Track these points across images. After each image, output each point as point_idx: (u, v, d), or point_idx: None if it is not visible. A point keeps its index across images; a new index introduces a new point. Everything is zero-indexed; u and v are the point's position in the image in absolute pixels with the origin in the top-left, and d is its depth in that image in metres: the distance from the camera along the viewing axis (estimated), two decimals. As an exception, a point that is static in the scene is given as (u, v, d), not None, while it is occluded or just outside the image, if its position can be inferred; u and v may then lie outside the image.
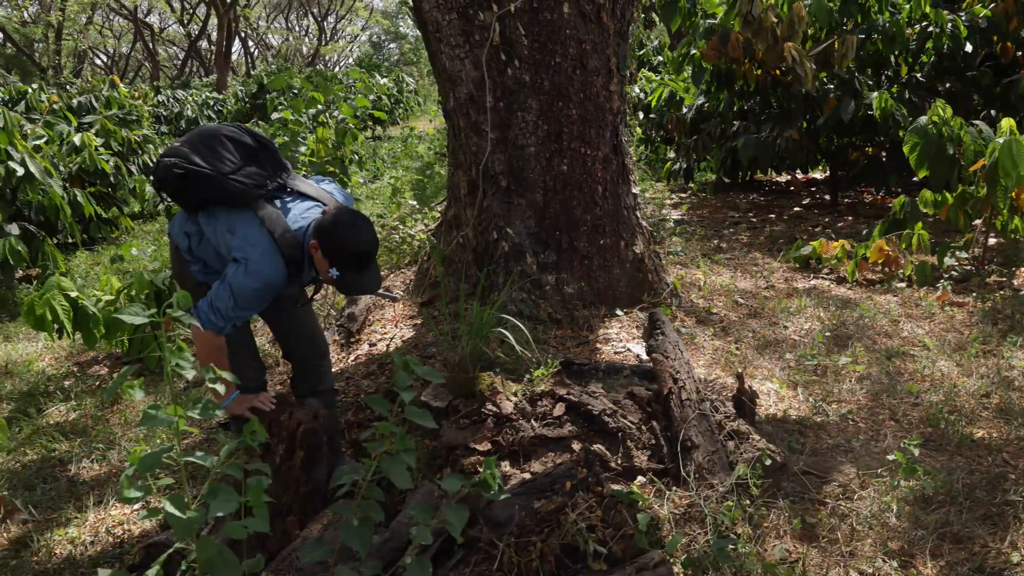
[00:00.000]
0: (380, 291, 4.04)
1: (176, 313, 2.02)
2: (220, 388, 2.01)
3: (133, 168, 9.20)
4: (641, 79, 11.78)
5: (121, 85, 11.60)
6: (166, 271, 5.01)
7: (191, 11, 34.64)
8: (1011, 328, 4.50)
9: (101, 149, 8.39)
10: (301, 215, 2.77)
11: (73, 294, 4.57)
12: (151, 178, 2.86)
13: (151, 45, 31.78)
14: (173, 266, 2.98)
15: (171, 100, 18.66)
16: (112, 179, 8.52)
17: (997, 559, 2.57)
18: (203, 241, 2.83)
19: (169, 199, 2.84)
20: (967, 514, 2.79)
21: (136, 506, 3.22)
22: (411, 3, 4.60)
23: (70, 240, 8.19)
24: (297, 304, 3.10)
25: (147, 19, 34.54)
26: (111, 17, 35.96)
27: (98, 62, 40.13)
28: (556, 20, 4.26)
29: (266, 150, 2.88)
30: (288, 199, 2.83)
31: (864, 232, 6.75)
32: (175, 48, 41.82)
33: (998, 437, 3.35)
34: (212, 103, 19.70)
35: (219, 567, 1.89)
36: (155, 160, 2.87)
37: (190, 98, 19.15)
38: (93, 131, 8.84)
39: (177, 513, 1.85)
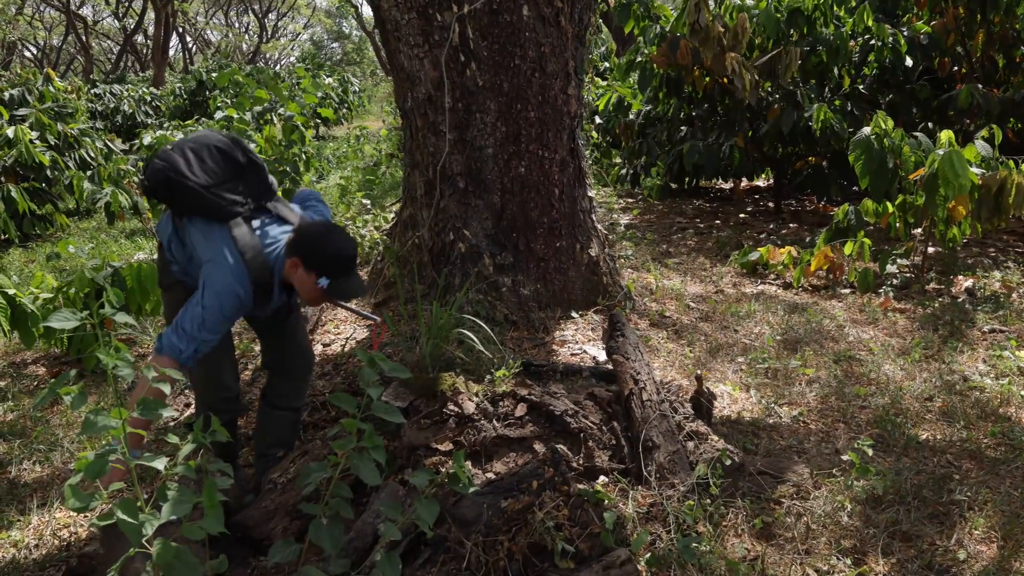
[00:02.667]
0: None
1: (109, 312, 1.96)
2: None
3: (70, 163, 8.89)
4: (588, 84, 11.88)
5: (56, 78, 11.24)
6: (107, 269, 4.85)
7: (127, 4, 33.72)
8: (951, 334, 4.66)
9: (37, 143, 8.10)
10: (275, 238, 2.72)
11: (10, 291, 4.38)
12: (143, 180, 2.81)
13: (84, 38, 30.82)
14: (159, 262, 2.94)
15: (107, 95, 18.16)
16: (48, 174, 8.24)
17: (945, 556, 2.65)
18: (182, 245, 2.78)
19: (158, 202, 2.80)
20: (916, 513, 2.87)
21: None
22: (368, 1, 4.55)
23: (3, 236, 7.88)
24: (290, 316, 3.04)
25: (80, 11, 33.43)
26: (42, 8, 34.78)
27: (28, 54, 38.78)
28: (516, 22, 4.27)
29: (255, 170, 2.83)
30: (267, 221, 2.78)
31: (808, 239, 6.91)
32: (109, 42, 40.66)
33: (942, 439, 3.46)
34: (150, 99, 19.22)
35: (179, 570, 1.84)
36: (147, 162, 2.84)
37: (127, 93, 18.66)
38: (27, 124, 8.52)
39: (128, 519, 1.79)
